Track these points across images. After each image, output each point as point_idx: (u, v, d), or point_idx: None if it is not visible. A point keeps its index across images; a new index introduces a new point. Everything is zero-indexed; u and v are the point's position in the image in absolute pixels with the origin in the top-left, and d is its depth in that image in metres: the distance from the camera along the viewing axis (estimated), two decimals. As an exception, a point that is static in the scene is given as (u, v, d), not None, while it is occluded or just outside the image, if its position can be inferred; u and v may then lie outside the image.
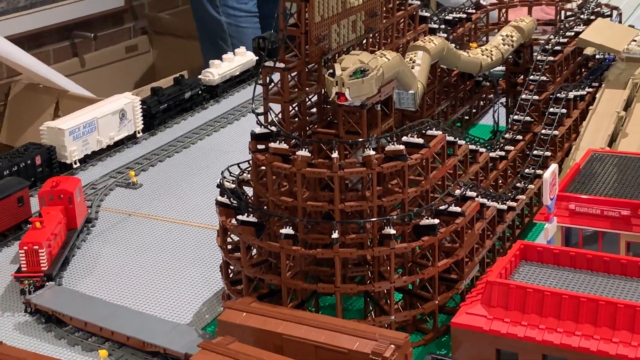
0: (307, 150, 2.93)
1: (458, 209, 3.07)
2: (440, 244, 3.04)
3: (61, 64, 7.04)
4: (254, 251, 3.13)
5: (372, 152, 2.91)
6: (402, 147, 2.96)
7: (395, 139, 3.01)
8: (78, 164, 4.43)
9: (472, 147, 3.49)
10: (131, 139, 4.73)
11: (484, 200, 3.28)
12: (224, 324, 2.79)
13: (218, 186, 3.20)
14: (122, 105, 4.65)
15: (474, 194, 3.19)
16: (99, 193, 4.17)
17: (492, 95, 5.01)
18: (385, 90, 3.18)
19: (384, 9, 3.69)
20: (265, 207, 3.06)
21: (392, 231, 2.89)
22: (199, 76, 5.32)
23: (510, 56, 4.60)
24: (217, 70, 5.34)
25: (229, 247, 3.16)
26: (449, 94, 4.53)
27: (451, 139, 3.28)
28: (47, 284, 3.31)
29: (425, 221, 2.97)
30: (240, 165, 3.31)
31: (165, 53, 7.84)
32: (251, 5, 6.69)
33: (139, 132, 4.77)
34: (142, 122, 4.80)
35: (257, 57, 5.61)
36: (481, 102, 4.97)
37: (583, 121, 4.31)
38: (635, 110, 4.44)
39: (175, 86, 5.11)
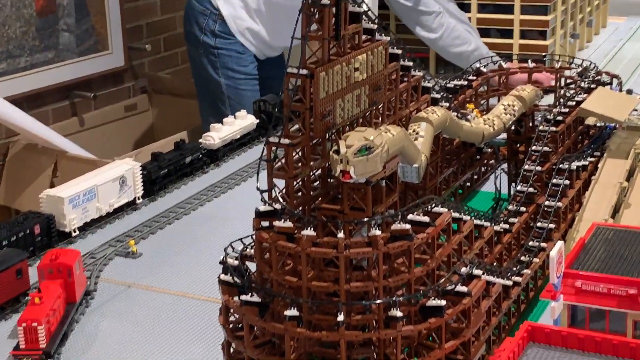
0: (312, 228, 2.90)
1: (465, 289, 3.03)
2: (447, 324, 3.00)
3: (60, 124, 7.04)
4: (257, 330, 3.07)
5: (377, 232, 2.88)
6: (408, 226, 2.93)
7: (401, 217, 2.98)
8: (77, 232, 4.38)
9: (477, 221, 3.47)
10: (131, 206, 4.70)
11: (490, 278, 3.25)
12: (227, 409, 2.73)
13: (221, 263, 3.16)
14: (122, 171, 4.63)
15: (479, 272, 3.16)
16: (98, 263, 4.13)
17: (493, 162, 5.01)
18: (390, 166, 3.16)
19: (388, 81, 3.70)
20: (269, 286, 3.02)
21: (399, 314, 2.85)
22: (200, 140, 5.31)
23: (513, 125, 4.61)
24: (218, 134, 5.33)
25: (231, 326, 3.11)
26: (451, 162, 4.52)
27: (456, 215, 3.25)
28: (45, 361, 3.26)
29: (431, 302, 2.93)
30: (243, 240, 3.27)
31: (164, 112, 7.85)
32: (251, 68, 6.71)
33: (139, 199, 4.74)
34: (142, 188, 4.77)
35: (258, 120, 5.62)
36: (482, 169, 4.96)
37: (586, 192, 4.29)
38: (637, 181, 4.43)
39: (176, 151, 5.09)
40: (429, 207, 3.09)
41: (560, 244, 3.22)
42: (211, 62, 6.64)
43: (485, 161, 4.95)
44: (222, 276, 3.09)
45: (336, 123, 3.24)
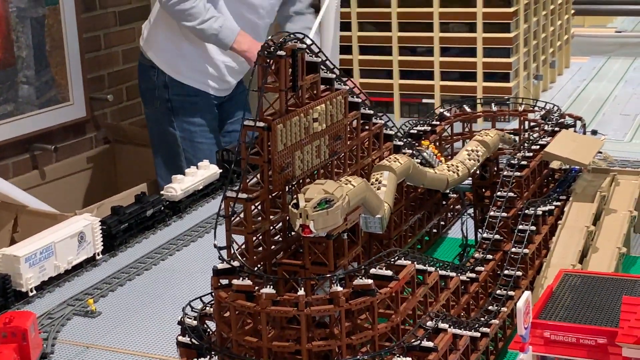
0: (271, 286, 2.82)
1: (431, 344, 2.95)
2: (412, 380, 2.92)
3: (21, 177, 6.92)
4: (218, 394, 2.97)
5: (339, 288, 2.80)
6: (370, 281, 2.85)
7: (363, 272, 2.90)
8: (34, 292, 4.25)
9: (443, 272, 3.39)
10: (90, 262, 4.58)
11: (457, 330, 3.17)
12: None
13: (179, 323, 3.06)
14: (81, 227, 4.51)
15: (446, 325, 3.08)
16: (56, 324, 4.00)
17: (459, 207, 4.95)
18: (351, 218, 3.09)
19: (348, 130, 3.64)
20: (228, 347, 2.92)
21: (364, 373, 2.76)
22: (161, 192, 5.21)
23: (478, 170, 4.56)
24: (180, 185, 5.24)
25: (191, 390, 3.00)
26: (417, 209, 4.45)
27: (421, 267, 3.18)
28: None
29: (397, 359, 2.84)
30: (202, 298, 3.17)
31: (126, 161, 7.75)
32: (208, 117, 6.59)
33: (98, 254, 4.63)
34: (102, 243, 4.65)
35: (221, 170, 5.53)
36: (448, 215, 4.90)
37: (552, 236, 4.24)
38: (604, 224, 4.39)
39: (137, 204, 4.98)
40: (392, 260, 3.02)
41: (527, 294, 3.15)
42: (167, 115, 6.52)
43: (451, 207, 4.90)
44: (180, 338, 2.99)
45: (295, 175, 3.17)
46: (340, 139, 3.46)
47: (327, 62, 3.42)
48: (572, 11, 8.58)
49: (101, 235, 4.65)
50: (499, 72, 6.71)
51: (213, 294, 3.00)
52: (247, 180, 3.13)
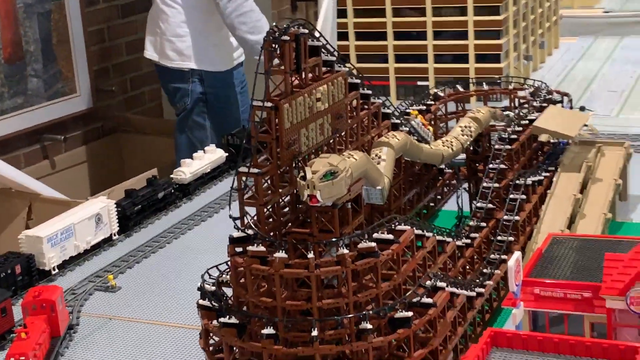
0: (283, 251, 3.08)
1: (430, 300, 3.21)
2: (415, 335, 3.18)
3: (32, 167, 7.16)
4: (236, 350, 3.23)
5: (345, 251, 3.06)
6: (373, 244, 3.11)
7: (367, 236, 3.16)
8: (57, 270, 4.52)
9: (440, 237, 3.66)
10: (107, 242, 4.85)
11: (454, 289, 3.44)
12: None
13: (199, 289, 3.32)
14: (97, 209, 4.78)
15: (444, 284, 3.35)
16: (79, 298, 4.26)
17: (455, 182, 5.22)
18: (354, 189, 3.34)
19: (349, 109, 3.90)
20: (245, 308, 3.19)
21: (369, 326, 3.02)
22: (171, 175, 5.47)
23: (471, 145, 4.82)
24: (189, 169, 5.50)
25: (212, 348, 3.27)
26: (414, 184, 4.72)
27: (419, 232, 3.44)
28: (34, 394, 3.39)
29: (399, 314, 3.11)
30: (219, 267, 3.44)
31: (133, 151, 8.00)
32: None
33: (114, 235, 4.89)
34: (118, 224, 4.92)
35: (227, 154, 5.79)
36: (445, 189, 5.16)
37: (542, 205, 4.51)
38: (590, 192, 4.66)
39: (149, 187, 5.25)
40: (393, 225, 3.28)
41: (517, 254, 3.42)
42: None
43: (447, 182, 5.16)
44: (201, 301, 3.25)
45: (302, 151, 3.42)
46: (342, 117, 3.71)
47: (328, 45, 3.67)
48: (560, -7, 8.83)
49: (117, 216, 4.91)
50: (490, 54, 6.95)
51: (230, 260, 3.26)
52: (257, 157, 3.38)
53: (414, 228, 3.39)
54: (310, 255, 3.05)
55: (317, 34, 3.58)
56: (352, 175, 3.26)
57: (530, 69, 7.75)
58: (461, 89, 5.41)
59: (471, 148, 4.83)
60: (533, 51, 7.84)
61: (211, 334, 3.24)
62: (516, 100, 5.32)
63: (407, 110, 4.92)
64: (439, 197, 5.10)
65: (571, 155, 4.88)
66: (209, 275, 3.38)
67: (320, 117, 3.55)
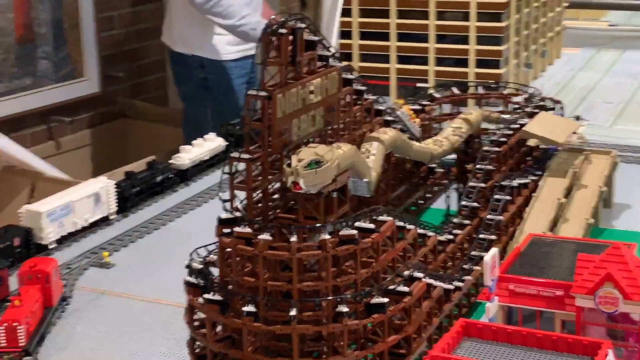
0: (268, 234, 3.23)
1: (406, 289, 3.36)
2: (390, 321, 3.33)
3: (38, 147, 7.32)
4: (219, 328, 3.38)
5: (327, 237, 3.21)
6: (354, 232, 3.26)
7: (348, 224, 3.31)
8: (54, 245, 4.67)
9: (421, 231, 3.80)
10: (105, 221, 5.00)
11: (431, 281, 3.58)
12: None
13: (187, 267, 3.47)
14: (97, 188, 4.93)
15: (420, 274, 3.49)
16: (74, 273, 4.42)
17: (446, 181, 5.35)
18: (340, 179, 3.49)
19: (342, 103, 4.05)
20: (230, 287, 3.34)
21: (345, 309, 3.17)
22: (170, 160, 5.62)
23: (461, 146, 4.96)
24: (188, 155, 5.66)
25: (196, 324, 3.42)
26: (404, 180, 4.86)
27: (401, 224, 3.59)
28: (24, 359, 3.54)
29: (375, 300, 3.26)
30: (208, 247, 3.58)
31: (137, 136, 8.15)
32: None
33: (112, 214, 5.04)
34: (116, 204, 5.07)
35: (227, 143, 5.94)
36: (435, 188, 5.30)
37: (526, 207, 4.65)
38: (575, 198, 4.80)
39: (148, 170, 5.40)
40: (374, 215, 3.42)
41: (494, 250, 3.57)
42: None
43: (438, 180, 5.29)
44: (187, 278, 3.40)
45: (293, 140, 3.57)
46: (334, 110, 3.85)
47: (324, 41, 3.81)
48: (565, 4, 8.96)
49: (115, 197, 5.06)
50: (490, 60, 7.09)
51: (217, 241, 3.41)
52: (250, 144, 3.53)
53: (396, 220, 3.53)
54: (293, 238, 3.19)
55: (314, 29, 3.72)
56: (338, 165, 3.41)
57: (530, 77, 7.88)
58: (457, 92, 5.55)
59: (462, 148, 4.97)
60: (534, 59, 7.97)
61: (195, 310, 3.39)
62: (509, 105, 5.45)
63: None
64: (428, 195, 5.24)
65: (559, 161, 5.02)
66: (198, 254, 3.53)
67: (313, 109, 3.69)
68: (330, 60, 3.89)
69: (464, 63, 7.16)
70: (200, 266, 3.45)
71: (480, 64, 7.11)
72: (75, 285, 4.33)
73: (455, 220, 4.31)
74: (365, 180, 3.82)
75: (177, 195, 5.47)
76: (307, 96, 3.65)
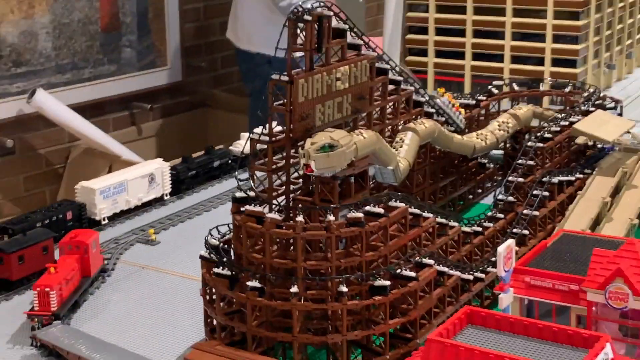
0: (276, 213, 3.33)
1: (412, 274, 3.39)
2: (395, 304, 3.37)
3: (120, 132, 7.62)
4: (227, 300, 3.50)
5: (332, 218, 3.28)
6: (360, 214, 3.32)
7: (358, 208, 3.37)
8: (107, 221, 4.89)
9: (443, 221, 3.82)
10: (159, 201, 5.19)
11: (444, 269, 3.60)
12: (189, 362, 3.17)
13: (204, 243, 3.60)
14: (152, 169, 5.14)
15: (431, 261, 3.52)
16: (120, 247, 4.62)
17: (500, 178, 5.32)
18: (359, 165, 3.55)
19: (377, 92, 4.10)
20: (240, 262, 3.45)
21: (345, 289, 3.23)
22: (230, 147, 5.78)
23: (509, 142, 4.94)
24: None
25: (208, 297, 3.54)
26: (449, 173, 4.86)
27: (416, 211, 3.62)
28: (54, 322, 3.75)
29: (378, 282, 3.31)
30: (230, 225, 3.71)
31: (216, 125, 8.37)
32: None
33: (166, 195, 5.24)
34: (171, 186, 5.26)
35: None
36: (487, 183, 5.28)
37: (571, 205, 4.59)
38: (623, 198, 4.71)
39: (205, 155, 5.57)
40: (387, 201, 3.47)
41: (510, 241, 3.56)
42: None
43: (489, 175, 5.27)
44: (202, 252, 3.53)
45: (316, 125, 3.65)
46: (364, 98, 3.91)
47: (355, 29, 3.88)
48: (657, 4, 8.70)
49: (170, 179, 5.25)
50: (567, 59, 6.98)
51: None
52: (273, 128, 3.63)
53: (412, 207, 3.57)
54: (299, 218, 3.28)
55: (344, 17, 3.79)
56: (357, 150, 3.47)
57: (613, 78, 7.71)
58: (516, 88, 5.52)
59: (509, 145, 4.95)
60: (618, 60, 7.79)
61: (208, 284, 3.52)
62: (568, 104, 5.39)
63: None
64: (479, 190, 5.23)
65: (611, 160, 4.93)
66: (218, 230, 3.66)
67: (340, 96, 3.75)
68: (365, 49, 3.96)
69: (540, 61, 7.06)
70: (216, 242, 3.57)
71: (556, 62, 7.00)
72: (119, 259, 4.53)
73: (489, 213, 4.30)
74: (389, 168, 3.87)
75: (233, 180, 5.60)
76: (334, 83, 3.72)
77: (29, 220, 4.48)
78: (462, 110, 4.78)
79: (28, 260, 4.18)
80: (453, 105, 4.67)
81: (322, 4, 3.65)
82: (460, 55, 7.34)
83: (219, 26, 8.28)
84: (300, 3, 6.70)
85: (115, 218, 4.96)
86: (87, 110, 7.27)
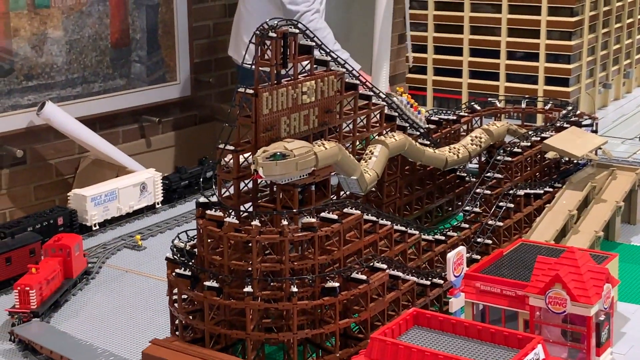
0: (234, 218, 3.54)
1: (363, 277, 3.59)
2: (348, 306, 3.57)
3: (129, 144, 7.88)
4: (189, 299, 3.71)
5: (285, 223, 3.49)
6: (313, 220, 3.52)
7: (313, 214, 3.58)
8: (97, 227, 5.14)
9: (401, 228, 4.01)
10: (151, 209, 5.43)
11: (397, 273, 3.79)
12: (147, 356, 3.39)
13: (171, 246, 3.83)
14: (143, 178, 5.39)
15: (384, 266, 3.71)
16: (107, 252, 4.87)
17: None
18: (321, 174, 3.76)
19: (347, 106, 4.31)
20: (202, 263, 3.67)
21: (295, 289, 3.44)
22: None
23: (484, 155, 5.11)
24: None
25: (174, 297, 3.76)
26: (425, 185, 5.05)
27: (373, 218, 3.82)
28: (33, 320, 3.99)
29: (328, 284, 3.51)
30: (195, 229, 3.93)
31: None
32: None
33: (158, 204, 5.48)
34: (163, 195, 5.50)
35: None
36: (467, 196, 5.44)
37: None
38: (591, 211, 4.86)
39: (199, 166, 5.81)
40: (341, 208, 3.67)
41: (460, 248, 3.76)
42: None
43: (467, 188, 5.43)
44: (168, 255, 3.76)
45: (280, 136, 3.86)
46: (331, 112, 4.12)
47: (323, 46, 4.09)
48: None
49: (162, 188, 5.49)
50: (559, 77, 7.13)
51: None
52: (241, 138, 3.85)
53: (368, 214, 3.77)
54: (255, 222, 3.49)
55: (310, 35, 4.01)
56: (316, 160, 3.68)
57: (609, 97, 7.84)
58: (498, 104, 5.69)
59: (484, 158, 5.12)
60: (616, 80, 7.92)
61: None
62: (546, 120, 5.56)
63: (432, 119, 5.27)
64: (459, 202, 5.40)
65: (582, 175, 5.08)
66: (187, 235, 3.88)
67: (306, 109, 3.97)
68: (333, 65, 4.18)
69: (533, 80, 7.23)
70: (182, 245, 3.79)
71: (549, 81, 7.17)
72: (105, 263, 4.77)
73: (455, 223, 4.48)
74: (353, 177, 4.07)
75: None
76: (300, 97, 3.94)
77: (20, 224, 4.74)
78: (423, 110, 4.96)
79: (15, 262, 4.44)
80: (412, 105, 4.85)
81: (290, 22, 3.87)
82: (458, 74, 7.53)
83: (227, 43, 8.52)
84: (310, 16, 7.02)
85: (106, 224, 5.21)
86: (97, 122, 7.54)
